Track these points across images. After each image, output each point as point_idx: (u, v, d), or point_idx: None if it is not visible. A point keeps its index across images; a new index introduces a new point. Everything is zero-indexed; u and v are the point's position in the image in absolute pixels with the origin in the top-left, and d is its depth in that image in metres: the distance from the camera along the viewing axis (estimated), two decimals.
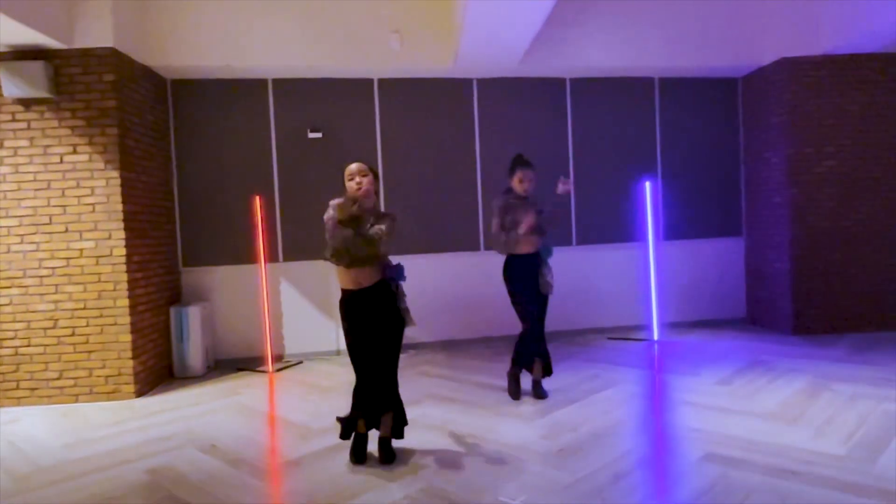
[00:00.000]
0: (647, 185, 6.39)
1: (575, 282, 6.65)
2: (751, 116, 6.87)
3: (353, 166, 3.49)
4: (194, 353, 5.59)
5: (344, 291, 3.48)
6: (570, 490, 2.98)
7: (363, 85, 6.30)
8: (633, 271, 6.68)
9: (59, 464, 3.66)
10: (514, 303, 4.52)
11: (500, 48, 5.55)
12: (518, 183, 4.44)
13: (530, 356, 4.55)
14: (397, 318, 3.47)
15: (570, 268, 6.66)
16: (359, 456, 3.47)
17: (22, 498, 3.20)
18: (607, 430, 3.80)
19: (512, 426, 3.95)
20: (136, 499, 3.13)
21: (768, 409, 4.05)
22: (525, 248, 4.42)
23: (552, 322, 6.55)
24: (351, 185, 3.43)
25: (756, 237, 6.88)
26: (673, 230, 6.88)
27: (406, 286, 6.19)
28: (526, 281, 4.43)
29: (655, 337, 6.26)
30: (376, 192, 3.57)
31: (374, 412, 3.52)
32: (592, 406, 4.30)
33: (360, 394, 3.51)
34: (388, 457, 3.45)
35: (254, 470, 3.45)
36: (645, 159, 6.82)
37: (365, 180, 3.43)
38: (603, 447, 3.52)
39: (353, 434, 3.53)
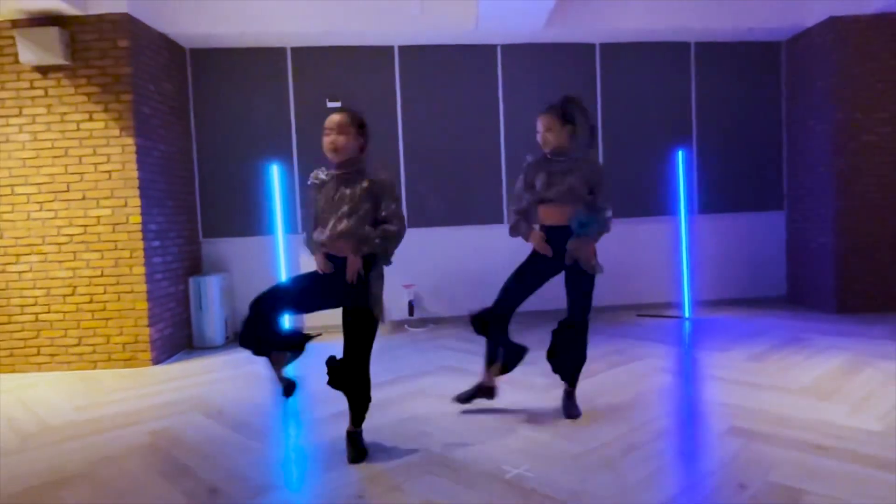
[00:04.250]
0: (681, 155, 6.08)
1: (603, 257, 6.36)
2: (795, 82, 6.47)
3: (329, 119, 2.93)
4: (213, 323, 5.57)
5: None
6: (577, 460, 2.81)
7: (383, 52, 6.15)
8: (666, 246, 6.39)
9: (67, 424, 3.67)
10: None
11: (521, 8, 5.31)
12: (538, 134, 3.35)
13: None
14: (364, 303, 2.93)
15: (599, 243, 6.40)
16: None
17: (25, 455, 3.21)
18: (626, 403, 3.60)
19: (524, 397, 3.79)
20: (134, 459, 3.10)
21: (802, 385, 3.78)
22: (550, 218, 3.34)
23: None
24: (323, 142, 2.93)
25: (799, 211, 6.49)
26: (709, 203, 6.55)
27: (427, 259, 6.10)
28: (537, 259, 3.41)
29: (687, 314, 5.99)
30: (362, 149, 2.99)
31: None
32: (613, 379, 4.10)
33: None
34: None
35: (256, 434, 3.39)
36: (679, 129, 6.50)
37: (340, 138, 2.90)
38: (620, 419, 3.33)
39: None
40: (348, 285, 2.92)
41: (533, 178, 3.35)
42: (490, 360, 3.48)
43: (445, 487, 2.60)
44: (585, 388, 3.91)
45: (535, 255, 3.41)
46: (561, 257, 3.32)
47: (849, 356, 4.41)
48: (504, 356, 3.47)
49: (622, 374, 4.21)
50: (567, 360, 3.49)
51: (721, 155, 6.55)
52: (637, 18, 5.94)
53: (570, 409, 3.44)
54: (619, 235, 6.41)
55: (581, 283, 3.40)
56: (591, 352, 4.79)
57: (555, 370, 3.54)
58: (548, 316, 6.19)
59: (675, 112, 6.51)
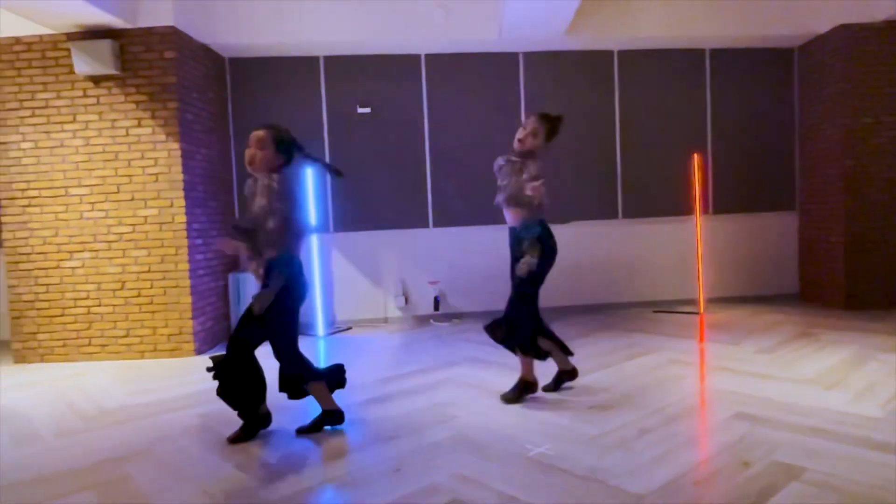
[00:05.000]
0: (696, 157, 6.30)
1: (620, 255, 6.66)
2: (807, 86, 6.67)
3: (254, 133, 3.21)
4: None
5: None
6: (595, 441, 3.08)
7: (411, 61, 6.44)
8: (681, 245, 6.62)
9: (122, 408, 4.01)
10: None
11: (544, 16, 5.56)
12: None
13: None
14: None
15: (615, 241, 6.68)
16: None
17: (88, 435, 3.54)
18: (639, 392, 3.85)
19: (544, 384, 4.04)
20: (188, 438, 3.42)
21: (807, 376, 4.01)
22: (508, 219, 3.75)
23: (596, 294, 6.65)
24: (246, 154, 3.21)
25: (810, 211, 6.69)
26: (723, 204, 6.77)
27: (451, 257, 6.37)
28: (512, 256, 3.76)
29: (701, 310, 6.21)
30: (283, 165, 3.24)
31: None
32: (628, 370, 4.35)
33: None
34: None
35: (297, 416, 3.68)
36: (694, 132, 6.73)
37: (259, 154, 3.17)
38: (633, 406, 3.59)
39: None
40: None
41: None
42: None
43: (473, 463, 2.87)
44: (603, 377, 4.19)
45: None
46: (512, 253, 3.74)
47: (855, 349, 4.62)
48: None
49: (637, 365, 4.46)
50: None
51: (735, 157, 6.77)
52: (654, 26, 6.18)
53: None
54: (635, 235, 6.69)
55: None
56: (608, 345, 5.10)
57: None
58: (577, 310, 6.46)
59: (690, 116, 6.74)
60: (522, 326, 3.70)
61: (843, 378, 3.93)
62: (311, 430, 3.40)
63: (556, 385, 3.94)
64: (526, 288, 3.66)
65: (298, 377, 3.35)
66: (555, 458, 2.88)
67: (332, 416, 3.42)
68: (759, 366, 4.30)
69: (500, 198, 3.70)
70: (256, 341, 3.33)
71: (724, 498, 2.43)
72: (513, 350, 3.80)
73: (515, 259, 3.68)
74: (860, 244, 6.09)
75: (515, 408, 3.64)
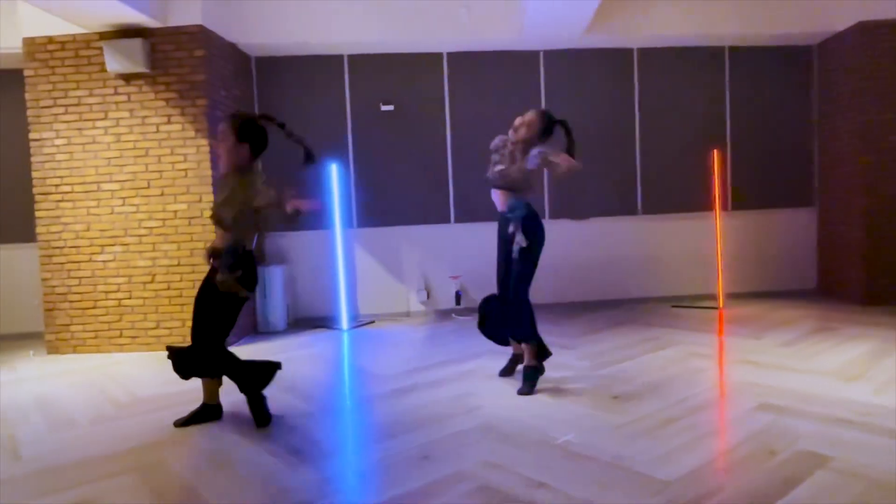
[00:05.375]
0: (715, 154, 6.32)
1: (639, 251, 6.70)
2: (825, 83, 6.66)
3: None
4: (276, 310, 6.03)
5: None
6: (620, 430, 3.14)
7: (433, 59, 6.52)
8: (700, 241, 6.64)
9: (155, 397, 4.12)
10: None
11: (564, 15, 5.61)
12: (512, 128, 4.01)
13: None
14: (207, 289, 3.42)
15: (634, 237, 6.72)
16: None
17: (123, 422, 3.65)
18: (663, 382, 3.90)
19: (566, 376, 4.11)
20: (220, 425, 3.53)
21: (829, 368, 4.04)
22: (498, 202, 3.97)
23: (614, 289, 6.69)
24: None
25: (829, 207, 6.70)
26: (742, 200, 6.78)
27: (473, 252, 6.43)
28: (500, 241, 4.05)
29: (720, 305, 6.23)
30: (252, 156, 3.41)
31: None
32: (649, 362, 4.40)
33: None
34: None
35: (325, 405, 3.80)
36: (713, 129, 6.74)
37: (222, 149, 3.34)
38: (656, 396, 3.64)
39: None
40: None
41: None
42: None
43: (500, 451, 2.95)
44: (624, 368, 4.25)
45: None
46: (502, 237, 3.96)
47: (875, 343, 4.64)
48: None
49: (658, 357, 4.51)
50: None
51: (754, 154, 6.78)
52: (673, 25, 6.21)
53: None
54: (655, 230, 6.73)
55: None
56: (628, 338, 5.15)
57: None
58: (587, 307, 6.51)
59: (709, 113, 6.76)
60: (525, 316, 3.85)
61: (864, 371, 3.96)
62: (187, 422, 3.53)
63: (511, 370, 4.16)
64: (526, 268, 3.83)
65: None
66: (581, 446, 2.94)
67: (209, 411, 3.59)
68: (780, 358, 4.33)
69: (491, 174, 3.90)
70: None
71: (751, 485, 2.48)
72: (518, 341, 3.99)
73: (506, 242, 3.88)
74: (879, 240, 6.09)
75: (539, 398, 3.71)
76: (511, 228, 3.78)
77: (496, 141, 4.01)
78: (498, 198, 3.91)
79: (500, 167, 3.87)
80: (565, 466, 2.74)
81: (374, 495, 2.57)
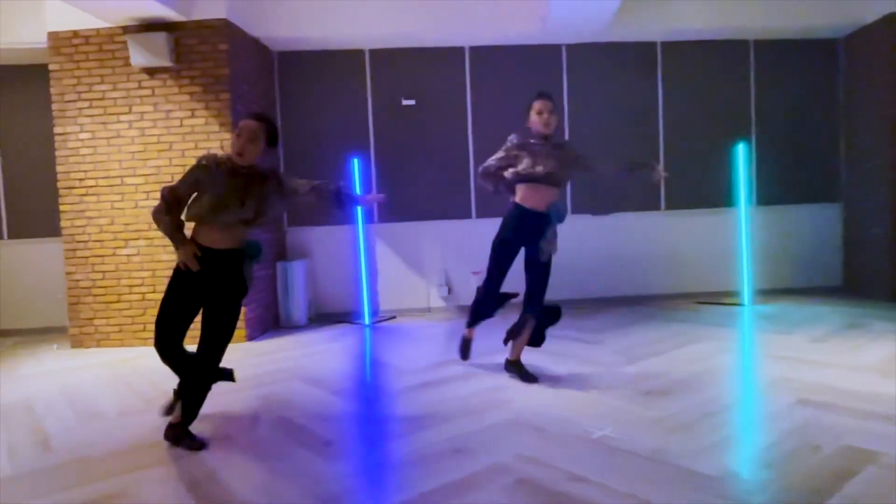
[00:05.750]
0: (740, 148, 6.23)
1: (662, 247, 6.63)
2: (853, 77, 6.56)
3: (247, 123, 3.05)
4: (298, 305, 6.01)
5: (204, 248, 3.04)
6: (657, 424, 3.08)
7: (454, 53, 6.48)
8: (724, 237, 6.55)
9: None
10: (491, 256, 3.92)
11: (589, 8, 5.55)
12: (537, 115, 3.68)
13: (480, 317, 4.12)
14: (241, 285, 3.13)
15: (657, 233, 6.65)
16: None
17: (151, 415, 3.60)
18: (695, 378, 3.84)
19: (596, 371, 4.06)
20: (249, 417, 3.52)
21: (866, 364, 3.97)
22: (532, 201, 3.69)
23: (637, 285, 6.62)
24: (233, 141, 3.05)
25: (855, 202, 6.60)
26: (767, 195, 6.69)
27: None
28: (517, 240, 3.80)
29: (746, 302, 6.15)
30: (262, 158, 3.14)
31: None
32: (679, 358, 4.34)
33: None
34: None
35: (353, 398, 3.77)
36: (738, 123, 6.65)
37: (251, 147, 3.02)
38: (691, 391, 3.58)
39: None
40: (227, 272, 3.06)
41: (516, 156, 3.73)
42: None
43: (535, 445, 2.90)
44: (654, 363, 4.18)
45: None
46: (530, 240, 3.75)
47: None
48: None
49: (688, 353, 4.44)
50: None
51: (779, 148, 6.69)
52: (698, 18, 6.14)
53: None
54: (678, 226, 6.65)
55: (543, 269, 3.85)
56: (655, 334, 5.08)
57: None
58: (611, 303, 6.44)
59: (734, 107, 6.67)
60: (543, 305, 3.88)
61: None
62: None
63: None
64: (550, 265, 3.83)
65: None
66: (619, 441, 2.89)
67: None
68: (814, 354, 4.25)
69: (538, 171, 3.64)
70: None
71: (800, 481, 2.42)
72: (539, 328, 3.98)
73: (537, 238, 3.72)
74: None
75: (570, 392, 3.66)
76: (550, 234, 3.72)
77: (513, 139, 3.83)
78: (543, 196, 3.70)
79: (544, 167, 3.63)
80: (605, 461, 2.69)
81: (410, 488, 2.53)
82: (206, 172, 3.00)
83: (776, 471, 2.52)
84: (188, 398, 3.09)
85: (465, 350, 4.25)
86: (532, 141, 3.71)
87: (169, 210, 2.98)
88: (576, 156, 3.80)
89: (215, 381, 3.18)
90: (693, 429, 3.00)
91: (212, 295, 3.04)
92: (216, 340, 3.07)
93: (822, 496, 2.27)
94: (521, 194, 3.75)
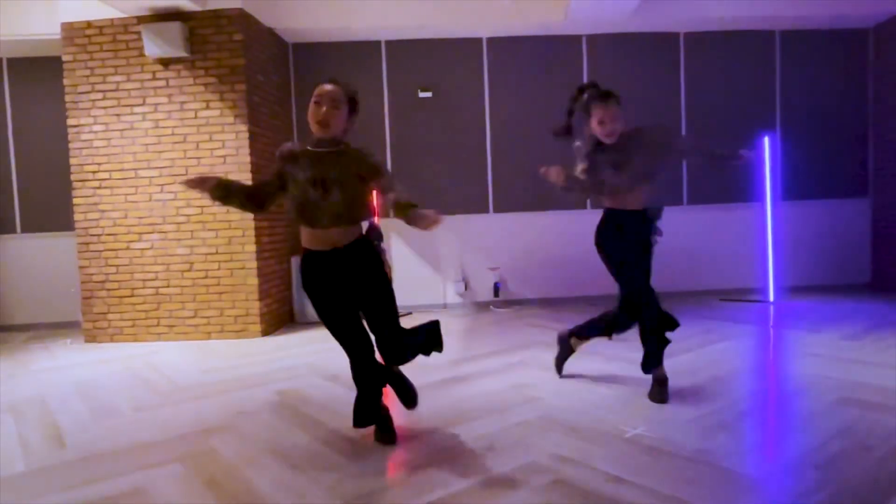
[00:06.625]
0: (766, 141, 6.08)
1: (685, 242, 6.47)
2: (883, 68, 6.38)
3: (324, 87, 2.69)
4: None
5: (310, 253, 2.74)
6: (694, 423, 2.95)
7: (472, 44, 6.35)
8: (748, 232, 6.41)
9: (197, 385, 4.02)
10: (618, 273, 3.49)
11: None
12: (599, 125, 3.20)
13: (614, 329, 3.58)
14: (382, 276, 2.81)
15: (680, 228, 6.47)
16: (389, 436, 2.91)
17: (167, 409, 3.55)
18: (728, 375, 3.71)
19: (624, 368, 3.92)
20: (268, 413, 3.40)
21: None
22: (632, 202, 3.32)
23: (659, 281, 6.41)
24: (312, 111, 2.66)
25: (884, 197, 6.41)
26: (793, 190, 6.53)
27: (511, 243, 6.28)
28: (630, 244, 3.38)
29: (771, 299, 5.99)
30: (346, 130, 2.77)
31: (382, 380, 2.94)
32: (709, 355, 4.20)
33: (361, 374, 2.86)
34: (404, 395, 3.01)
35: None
36: (763, 116, 6.50)
37: (336, 113, 2.65)
38: (725, 389, 3.45)
39: (374, 418, 2.91)
40: (361, 267, 2.75)
41: (597, 164, 3.28)
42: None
43: (569, 443, 2.77)
44: (684, 361, 4.05)
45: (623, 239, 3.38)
46: (641, 238, 3.39)
47: None
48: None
49: (717, 351, 4.31)
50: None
51: (806, 142, 6.52)
52: (721, 7, 5.97)
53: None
54: (701, 221, 6.50)
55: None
56: (682, 331, 4.90)
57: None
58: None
59: (759, 100, 6.51)
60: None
61: None
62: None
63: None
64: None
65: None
66: (654, 440, 2.76)
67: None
68: (848, 352, 4.10)
69: (627, 180, 3.24)
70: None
71: (854, 483, 2.28)
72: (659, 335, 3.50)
73: (644, 240, 3.41)
74: None
75: (600, 389, 3.53)
76: (656, 231, 3.43)
77: (580, 146, 3.37)
78: (642, 196, 3.34)
79: (627, 175, 3.24)
80: (644, 461, 2.55)
81: (443, 486, 2.41)
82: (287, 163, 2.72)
83: (826, 472, 2.38)
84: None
85: (562, 361, 3.81)
86: (602, 146, 3.27)
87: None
88: (660, 143, 3.34)
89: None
90: (732, 428, 2.86)
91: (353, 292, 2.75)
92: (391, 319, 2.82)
93: (881, 499, 2.13)
94: (610, 200, 3.37)
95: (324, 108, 2.62)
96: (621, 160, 3.21)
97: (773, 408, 3.15)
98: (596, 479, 2.40)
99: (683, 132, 6.45)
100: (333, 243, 2.67)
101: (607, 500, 2.24)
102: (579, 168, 3.33)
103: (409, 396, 3.06)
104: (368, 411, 2.86)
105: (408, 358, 2.89)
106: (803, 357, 4.09)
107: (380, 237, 2.91)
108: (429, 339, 3.05)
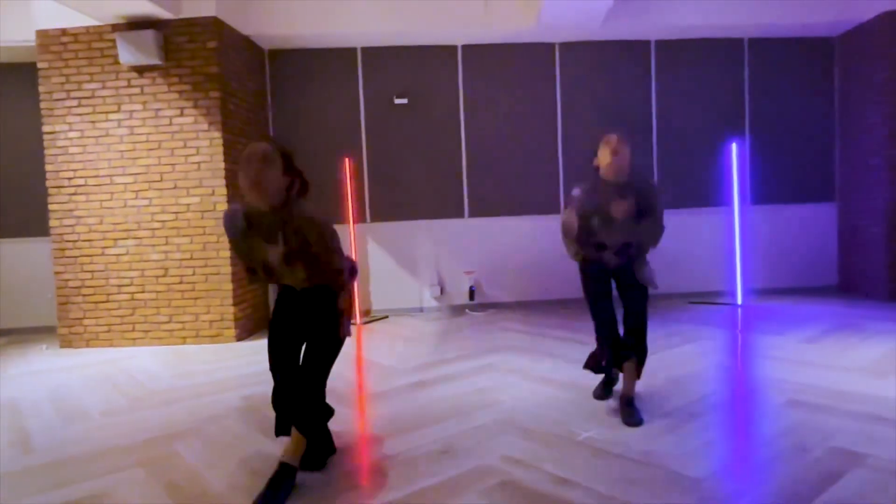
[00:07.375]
0: (734, 147, 6.20)
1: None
2: (848, 76, 6.52)
3: (251, 149, 2.45)
4: None
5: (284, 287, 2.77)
6: (646, 426, 3.04)
7: (447, 52, 6.43)
8: (718, 236, 6.53)
9: (168, 390, 4.08)
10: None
11: (581, 7, 5.51)
12: (612, 155, 3.09)
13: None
14: (335, 327, 2.71)
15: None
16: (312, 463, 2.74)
17: (136, 414, 3.61)
18: (686, 378, 3.81)
19: (588, 372, 3.99)
20: (234, 418, 3.47)
21: (858, 365, 3.92)
22: (609, 260, 3.29)
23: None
24: (246, 177, 2.40)
25: (851, 201, 6.55)
26: (761, 194, 6.65)
27: (486, 247, 6.34)
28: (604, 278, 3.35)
29: (739, 301, 6.11)
30: (295, 188, 2.58)
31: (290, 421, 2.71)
32: (671, 358, 4.30)
33: (279, 398, 2.76)
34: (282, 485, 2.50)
35: (341, 399, 3.70)
36: (732, 122, 6.62)
37: (270, 175, 2.42)
38: (681, 392, 3.55)
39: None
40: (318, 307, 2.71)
41: (590, 216, 3.19)
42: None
43: (522, 446, 2.87)
44: (647, 365, 4.11)
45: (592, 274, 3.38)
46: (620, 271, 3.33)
47: None
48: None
49: (680, 353, 4.41)
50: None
51: (774, 147, 6.65)
52: (691, 16, 6.08)
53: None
54: (671, 225, 6.57)
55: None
56: (649, 333, 5.01)
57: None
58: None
59: (728, 106, 6.63)
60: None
61: (894, 368, 3.84)
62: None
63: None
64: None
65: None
66: (604, 443, 2.86)
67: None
68: (806, 355, 4.22)
69: (616, 242, 3.20)
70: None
71: (786, 483, 2.38)
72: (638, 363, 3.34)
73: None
74: None
75: (560, 394, 3.62)
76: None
77: (578, 192, 3.25)
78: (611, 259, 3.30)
79: (617, 234, 3.19)
80: (592, 463, 2.65)
81: (392, 491, 2.49)
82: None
83: (762, 473, 2.49)
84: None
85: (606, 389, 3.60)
86: (596, 194, 3.17)
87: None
88: (648, 204, 3.18)
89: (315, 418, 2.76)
90: (681, 431, 2.96)
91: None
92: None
93: (807, 498, 2.23)
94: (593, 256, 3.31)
95: (253, 168, 2.39)
96: (613, 216, 3.14)
97: (724, 410, 3.24)
98: (542, 481, 2.49)
99: (654, 137, 6.57)
100: (302, 286, 2.71)
101: (549, 501, 2.33)
102: (573, 218, 3.22)
103: (315, 458, 2.77)
104: (286, 425, 2.76)
105: (302, 419, 2.66)
106: (762, 359, 4.20)
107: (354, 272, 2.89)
108: (320, 442, 2.80)
